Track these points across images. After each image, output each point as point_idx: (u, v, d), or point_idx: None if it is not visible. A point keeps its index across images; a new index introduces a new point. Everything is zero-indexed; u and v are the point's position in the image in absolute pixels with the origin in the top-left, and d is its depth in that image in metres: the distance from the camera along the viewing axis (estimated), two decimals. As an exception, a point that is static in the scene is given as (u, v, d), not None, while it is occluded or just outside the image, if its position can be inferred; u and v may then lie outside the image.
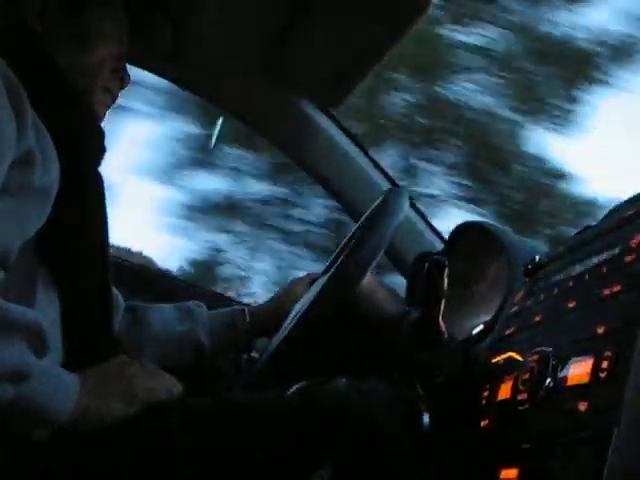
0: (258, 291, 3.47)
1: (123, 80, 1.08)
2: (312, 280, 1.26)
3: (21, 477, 0.77)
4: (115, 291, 1.19)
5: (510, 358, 0.92)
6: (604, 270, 0.81)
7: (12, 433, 0.76)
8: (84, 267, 0.97)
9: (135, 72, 1.19)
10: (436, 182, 3.31)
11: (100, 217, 1.03)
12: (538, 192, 3.28)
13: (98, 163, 1.05)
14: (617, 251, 0.81)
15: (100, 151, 1.05)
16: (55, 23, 0.98)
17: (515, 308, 1.01)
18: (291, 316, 1.14)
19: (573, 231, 1.13)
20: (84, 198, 0.98)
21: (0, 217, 0.83)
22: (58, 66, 0.96)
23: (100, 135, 1.05)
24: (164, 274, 1.76)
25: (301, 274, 1.34)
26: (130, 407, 0.83)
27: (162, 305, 1.27)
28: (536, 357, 0.82)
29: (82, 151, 0.98)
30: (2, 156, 0.81)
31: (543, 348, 0.82)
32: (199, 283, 1.78)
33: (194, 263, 3.54)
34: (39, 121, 0.90)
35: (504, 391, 0.89)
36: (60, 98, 0.96)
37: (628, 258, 0.78)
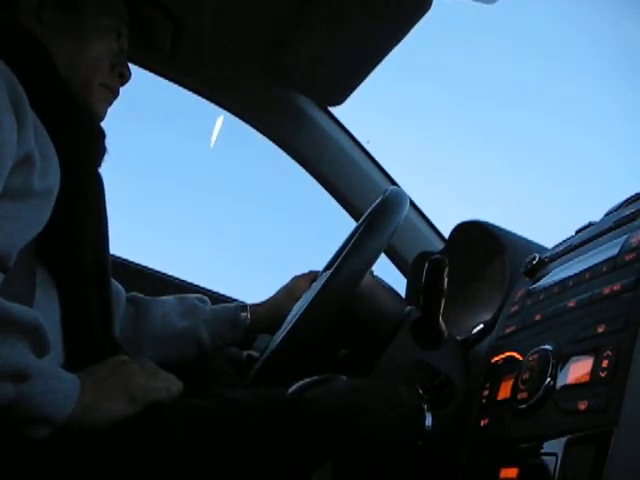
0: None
1: (123, 76, 1.07)
2: (313, 278, 1.26)
3: (21, 477, 0.76)
4: (116, 284, 1.19)
5: (510, 357, 0.92)
6: (604, 269, 0.81)
7: (12, 433, 0.76)
8: (84, 268, 0.96)
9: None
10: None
11: (100, 218, 1.03)
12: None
13: (98, 164, 1.05)
14: (617, 251, 0.81)
15: (100, 152, 1.05)
16: (52, 20, 0.98)
17: (515, 307, 1.01)
18: (292, 314, 1.14)
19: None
20: (84, 199, 0.98)
21: (0, 220, 0.82)
22: (57, 66, 0.96)
23: (100, 136, 1.04)
24: (164, 274, 1.76)
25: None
26: (130, 406, 0.83)
27: (165, 298, 1.27)
28: (536, 356, 0.82)
29: (82, 152, 0.98)
30: (3, 159, 0.81)
31: (543, 347, 0.82)
32: (199, 283, 1.77)
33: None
34: (39, 123, 0.90)
35: (504, 391, 0.88)
36: (59, 100, 0.95)
37: (628, 258, 0.78)
